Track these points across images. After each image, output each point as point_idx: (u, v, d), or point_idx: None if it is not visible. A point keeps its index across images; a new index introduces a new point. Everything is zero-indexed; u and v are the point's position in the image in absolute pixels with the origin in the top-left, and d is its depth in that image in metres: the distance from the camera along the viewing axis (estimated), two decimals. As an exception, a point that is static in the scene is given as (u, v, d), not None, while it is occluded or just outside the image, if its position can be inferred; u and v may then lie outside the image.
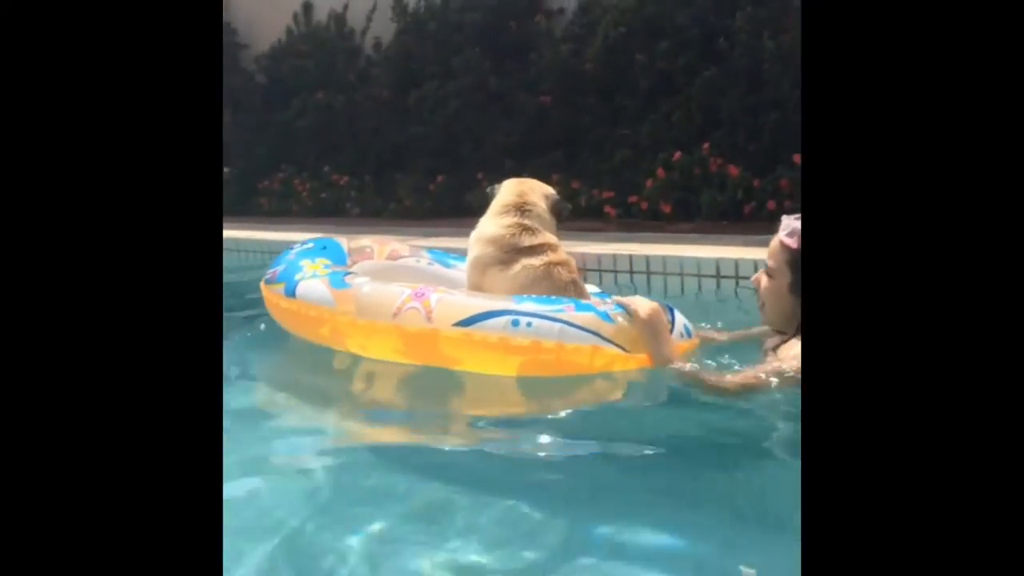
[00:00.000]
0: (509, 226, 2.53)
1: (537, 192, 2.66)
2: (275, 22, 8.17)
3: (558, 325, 2.12)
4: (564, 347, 2.12)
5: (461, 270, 2.80)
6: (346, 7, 7.64)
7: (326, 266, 2.68)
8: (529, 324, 2.14)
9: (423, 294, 2.33)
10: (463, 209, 6.46)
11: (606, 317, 2.16)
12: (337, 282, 2.54)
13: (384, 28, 7.33)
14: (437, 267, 3.05)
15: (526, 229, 2.53)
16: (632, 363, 2.16)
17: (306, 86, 7.58)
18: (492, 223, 2.56)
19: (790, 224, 2.23)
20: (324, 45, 7.68)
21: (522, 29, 6.44)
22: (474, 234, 2.59)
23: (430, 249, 3.16)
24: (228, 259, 5.67)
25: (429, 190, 6.58)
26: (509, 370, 2.22)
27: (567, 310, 2.17)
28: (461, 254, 2.88)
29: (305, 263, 2.70)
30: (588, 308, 2.19)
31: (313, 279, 2.60)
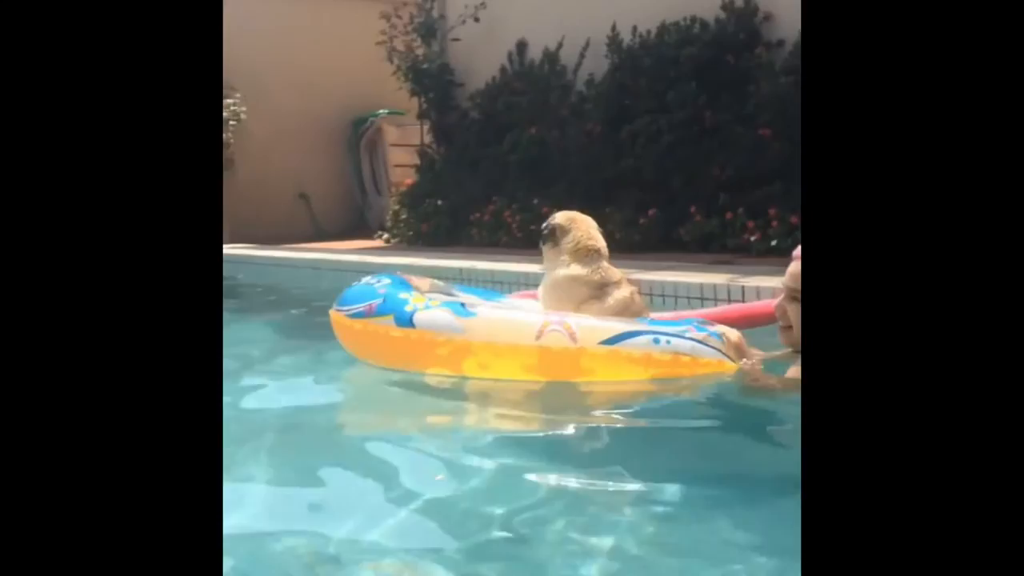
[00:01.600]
0: (597, 268, 3.02)
1: (595, 227, 3.18)
2: (490, 62, 8.50)
3: (689, 343, 2.68)
4: (697, 361, 2.68)
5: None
6: (560, 45, 7.83)
7: (430, 298, 2.97)
8: (668, 342, 2.68)
9: (561, 319, 2.76)
10: (673, 243, 6.40)
11: (717, 336, 2.73)
12: (460, 311, 2.85)
13: (597, 64, 7.45)
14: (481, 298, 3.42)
15: (609, 269, 3.06)
16: (732, 368, 2.72)
17: (519, 122, 7.81)
18: (577, 265, 3.03)
19: None
20: (537, 82, 7.90)
21: (740, 62, 6.34)
22: (563, 274, 3.02)
23: (461, 285, 3.61)
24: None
25: (639, 223, 6.57)
26: (644, 376, 2.72)
27: (691, 331, 2.72)
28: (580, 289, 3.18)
29: (405, 296, 2.95)
30: (704, 329, 2.75)
31: (430, 310, 2.86)
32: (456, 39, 8.92)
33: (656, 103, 6.65)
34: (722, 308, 3.66)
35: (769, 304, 3.03)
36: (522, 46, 8.26)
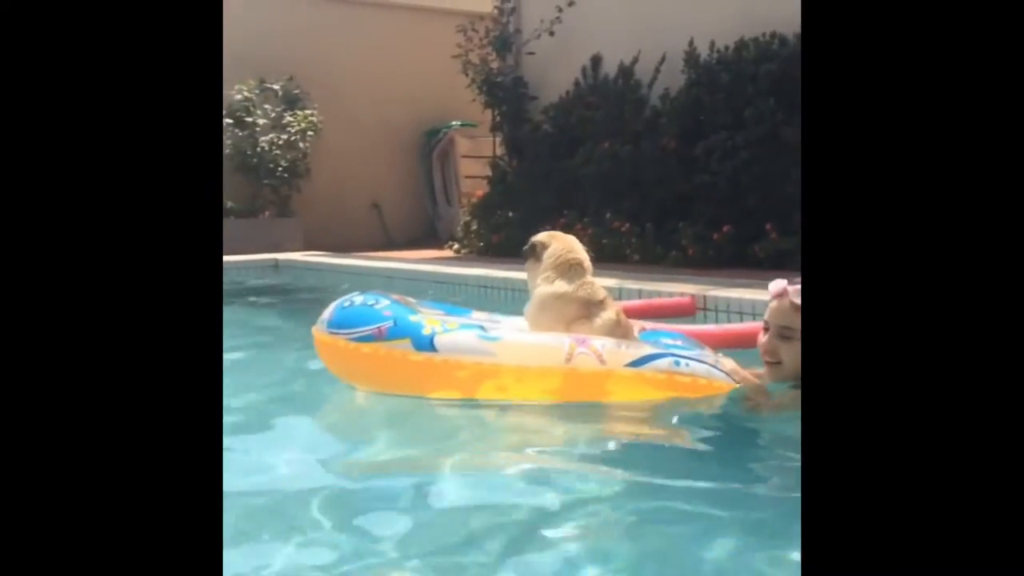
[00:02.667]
0: (583, 284, 2.95)
1: (577, 243, 3.09)
2: (564, 75, 8.55)
3: (705, 366, 2.76)
4: (712, 383, 2.75)
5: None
6: (635, 60, 7.84)
7: (443, 320, 2.87)
8: (688, 364, 2.75)
9: (585, 341, 2.76)
10: (748, 260, 6.33)
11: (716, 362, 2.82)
12: (483, 335, 2.79)
13: (673, 79, 7.43)
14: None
15: (593, 285, 2.98)
16: (729, 389, 2.79)
17: (592, 136, 7.84)
18: (562, 281, 2.95)
19: (799, 289, 2.54)
20: (611, 96, 7.91)
21: (820, 79, 6.26)
22: (549, 291, 2.94)
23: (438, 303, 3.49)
24: (499, 298, 6.02)
25: (713, 239, 6.52)
26: (662, 396, 2.75)
27: (708, 356, 2.82)
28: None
29: (417, 319, 2.81)
30: (719, 355, 2.87)
31: (450, 333, 2.75)
32: (531, 53, 8.99)
33: (732, 119, 6.61)
34: (711, 327, 3.76)
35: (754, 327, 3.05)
36: (596, 60, 8.29)
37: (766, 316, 2.72)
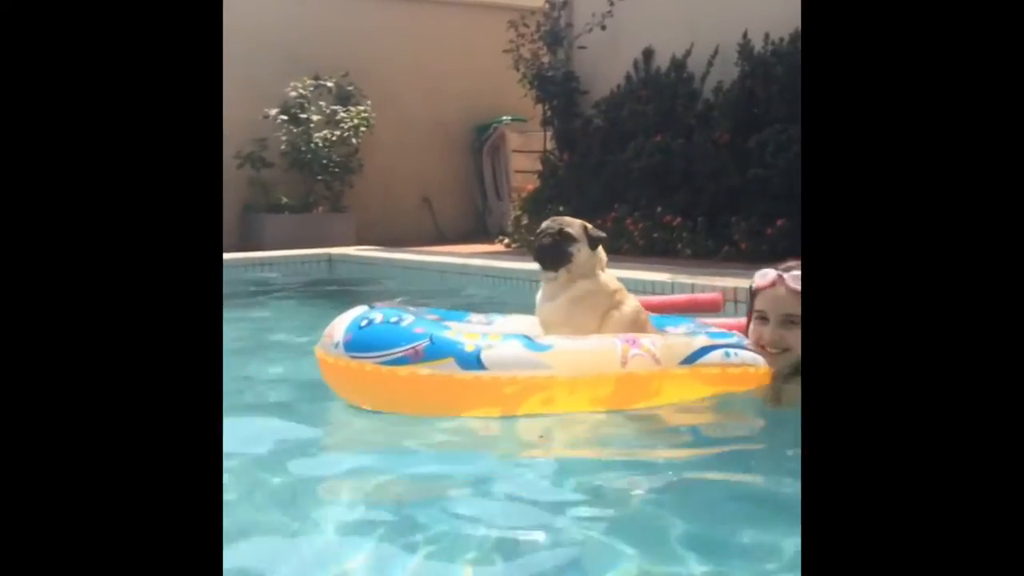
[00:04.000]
0: (605, 270, 2.87)
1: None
2: (615, 69, 8.52)
3: (751, 354, 2.70)
4: (759, 370, 2.68)
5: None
6: (688, 53, 7.78)
7: (483, 333, 2.64)
8: (736, 354, 2.67)
9: (635, 340, 2.61)
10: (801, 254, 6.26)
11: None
12: (532, 345, 2.54)
13: (726, 72, 7.37)
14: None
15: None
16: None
17: (644, 129, 7.80)
18: (602, 273, 2.83)
19: (796, 275, 2.60)
20: (663, 90, 7.87)
21: (878, 70, 6.15)
22: (588, 285, 2.78)
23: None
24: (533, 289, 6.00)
25: (766, 234, 6.46)
26: (717, 391, 2.65)
27: (745, 341, 2.75)
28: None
29: (452, 334, 2.56)
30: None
31: (495, 347, 2.50)
32: (582, 47, 8.98)
33: (787, 112, 6.52)
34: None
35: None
36: (648, 54, 8.25)
37: (760, 306, 2.69)
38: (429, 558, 1.62)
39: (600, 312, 2.76)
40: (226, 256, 8.60)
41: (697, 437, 2.60)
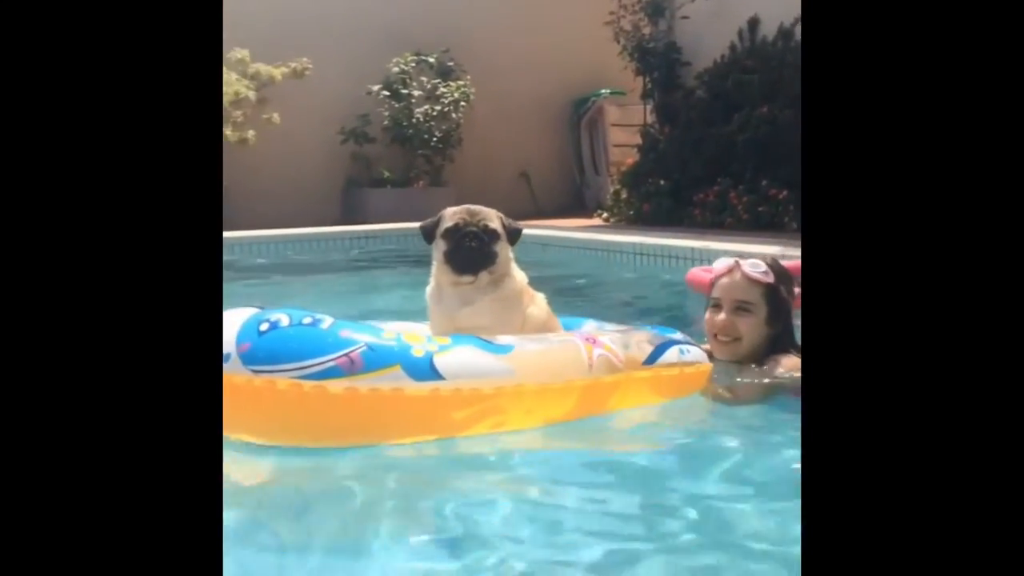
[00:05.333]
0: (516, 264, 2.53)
1: None
2: (719, 39, 8.36)
3: (698, 348, 2.53)
4: (706, 367, 2.50)
5: None
6: (796, 21, 7.56)
7: (427, 336, 2.16)
8: (688, 351, 2.46)
9: (594, 339, 2.29)
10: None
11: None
12: (491, 348, 2.10)
13: (837, 40, 7.14)
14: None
15: None
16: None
17: (749, 100, 7.64)
18: (513, 268, 2.50)
19: (754, 263, 2.57)
20: (770, 60, 7.68)
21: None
22: (521, 280, 2.48)
23: None
24: (655, 266, 5.99)
25: (879, 207, 6.27)
26: (679, 395, 2.41)
27: (682, 335, 2.52)
28: None
29: (390, 337, 2.03)
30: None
31: (448, 351, 2.04)
32: (685, 17, 8.83)
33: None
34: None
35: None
36: (754, 23, 8.06)
37: (716, 294, 2.60)
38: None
39: (522, 313, 2.46)
40: (334, 228, 8.88)
41: (653, 437, 2.29)
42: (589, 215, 10.17)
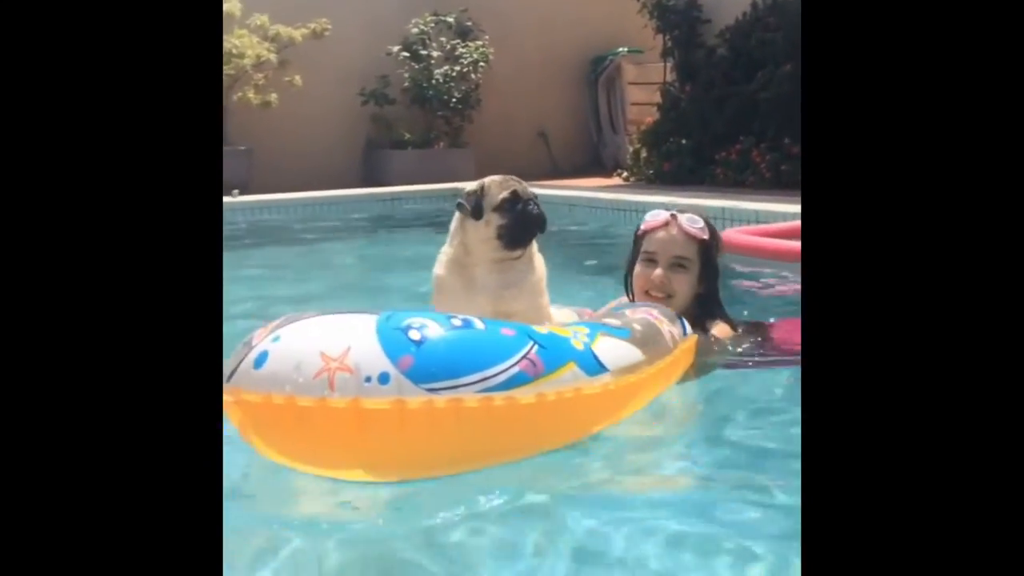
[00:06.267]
0: None
1: None
2: (741, -4, 8.34)
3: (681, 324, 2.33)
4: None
5: None
6: (820, -23, 7.54)
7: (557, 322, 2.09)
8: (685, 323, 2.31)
9: (653, 314, 2.13)
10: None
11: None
12: (617, 332, 1.95)
13: (861, -3, 7.12)
14: None
15: None
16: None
17: (772, 58, 7.65)
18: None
19: (691, 218, 2.46)
20: (793, 17, 7.66)
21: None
22: (542, 270, 2.30)
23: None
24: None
25: (903, 165, 6.32)
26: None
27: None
28: None
29: (544, 331, 1.83)
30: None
31: (600, 338, 1.88)
32: (706, -26, 8.80)
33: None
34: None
35: None
36: (776, -21, 8.03)
37: (649, 247, 2.46)
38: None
39: (542, 291, 2.34)
40: (361, 191, 8.97)
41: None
42: (607, 174, 10.22)
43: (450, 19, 10.61)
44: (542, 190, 7.66)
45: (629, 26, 9.92)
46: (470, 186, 2.25)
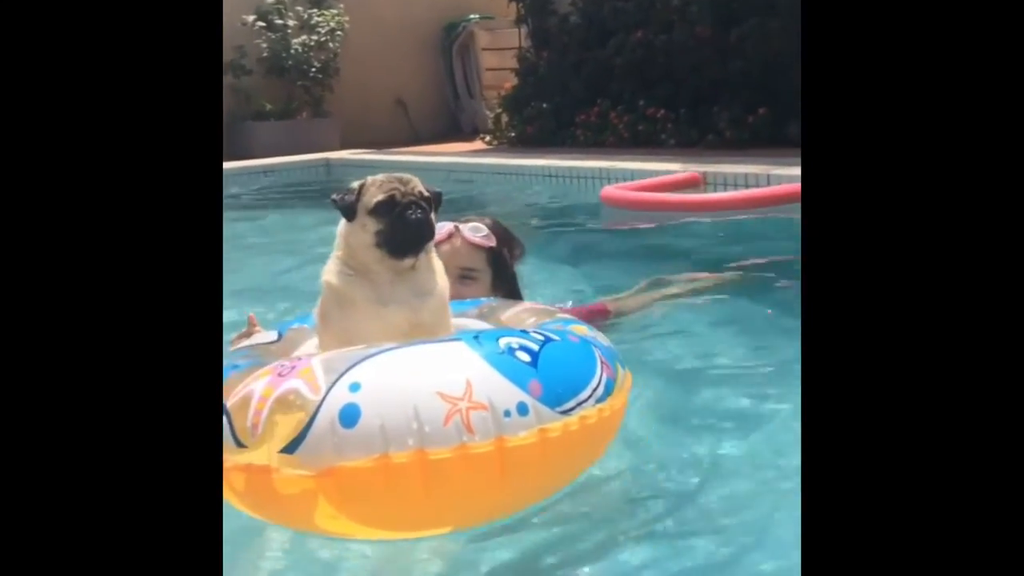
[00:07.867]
0: None
1: None
2: (590, -35, 8.79)
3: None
4: None
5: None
6: (664, -51, 8.11)
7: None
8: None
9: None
10: (782, 140, 6.85)
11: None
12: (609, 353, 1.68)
13: (702, -32, 7.74)
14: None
15: None
16: None
17: (624, 26, 8.20)
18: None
19: (475, 227, 2.34)
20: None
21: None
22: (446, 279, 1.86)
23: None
24: (547, 185, 6.47)
25: (748, 122, 7.02)
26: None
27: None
28: None
29: (583, 332, 1.70)
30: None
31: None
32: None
33: (765, 4, 6.99)
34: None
35: None
36: (625, -51, 8.52)
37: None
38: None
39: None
40: (225, 165, 8.85)
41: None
42: (467, 139, 10.52)
43: (304, -13, 10.55)
44: (423, 157, 7.93)
45: (482, -7, 10.22)
46: (354, 183, 1.84)
